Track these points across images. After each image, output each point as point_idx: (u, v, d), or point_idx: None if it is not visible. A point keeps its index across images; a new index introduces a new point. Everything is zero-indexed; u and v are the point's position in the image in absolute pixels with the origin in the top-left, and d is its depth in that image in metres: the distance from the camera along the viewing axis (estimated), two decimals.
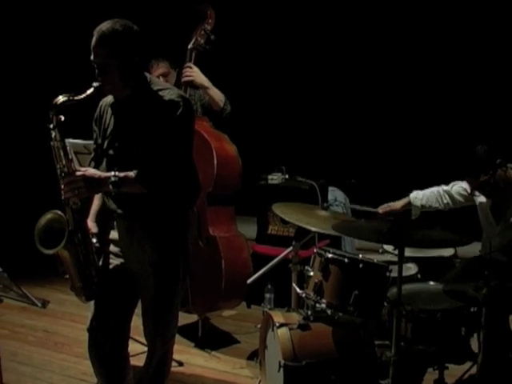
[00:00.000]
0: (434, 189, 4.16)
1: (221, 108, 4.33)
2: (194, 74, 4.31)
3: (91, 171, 2.88)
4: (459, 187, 4.05)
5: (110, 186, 2.81)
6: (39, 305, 2.92)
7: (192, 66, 4.33)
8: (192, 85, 4.35)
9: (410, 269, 3.89)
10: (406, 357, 3.30)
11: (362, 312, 3.31)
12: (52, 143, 2.85)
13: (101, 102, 3.09)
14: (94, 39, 2.82)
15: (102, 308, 3.08)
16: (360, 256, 3.53)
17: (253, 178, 5.40)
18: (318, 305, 3.38)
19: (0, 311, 3.17)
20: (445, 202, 4.10)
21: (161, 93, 2.90)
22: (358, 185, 6.18)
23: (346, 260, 3.37)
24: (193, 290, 4.25)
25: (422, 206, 4.17)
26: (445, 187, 4.13)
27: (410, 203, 4.19)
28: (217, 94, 4.33)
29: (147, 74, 3.00)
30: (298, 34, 7.26)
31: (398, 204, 4.21)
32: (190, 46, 4.39)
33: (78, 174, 2.82)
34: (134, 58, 2.86)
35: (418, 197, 4.18)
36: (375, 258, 3.68)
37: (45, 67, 7.04)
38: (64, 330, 4.96)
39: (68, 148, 2.89)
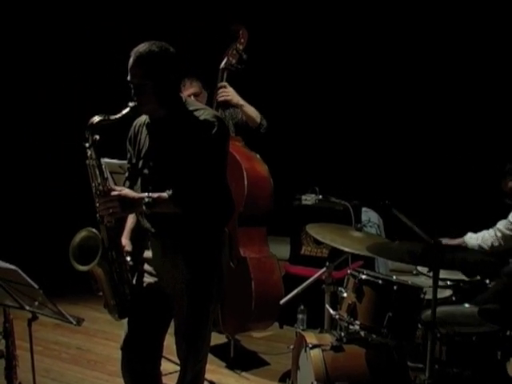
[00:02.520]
0: (485, 231, 4.20)
1: (258, 124, 4.35)
2: (230, 93, 4.34)
3: (126, 191, 2.90)
4: (505, 221, 4.06)
5: (144, 207, 2.83)
6: (74, 322, 2.93)
7: (227, 85, 4.37)
8: (228, 104, 4.38)
9: (445, 291, 3.84)
10: (441, 380, 3.25)
11: (395, 334, 3.28)
12: (88, 162, 2.88)
13: (135, 122, 3.12)
14: (131, 60, 2.86)
15: (135, 326, 3.08)
16: (394, 278, 3.50)
17: (287, 198, 5.40)
18: (351, 326, 3.37)
19: (34, 328, 3.18)
20: (498, 235, 4.11)
21: (196, 113, 2.92)
22: (392, 206, 6.14)
23: (380, 281, 3.35)
24: (224, 311, 4.25)
25: (479, 246, 4.17)
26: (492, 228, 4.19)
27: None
28: (252, 111, 4.35)
29: (182, 95, 3.03)
30: (333, 54, 7.27)
31: (450, 242, 4.19)
32: (221, 66, 4.42)
33: (113, 193, 2.85)
34: (170, 78, 2.89)
35: (473, 237, 4.19)
36: (409, 279, 3.65)
37: (82, 87, 7.15)
38: (97, 347, 5.00)
39: (103, 167, 2.92)
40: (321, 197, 5.44)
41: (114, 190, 2.87)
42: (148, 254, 3.12)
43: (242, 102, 4.35)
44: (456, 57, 6.76)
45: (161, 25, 6.59)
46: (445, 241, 4.15)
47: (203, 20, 7.09)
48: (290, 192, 5.55)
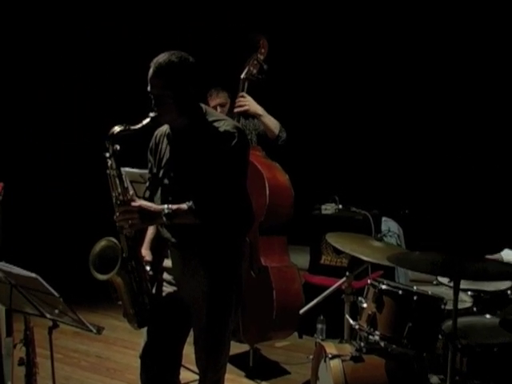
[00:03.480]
0: None
1: (276, 135, 4.35)
2: (248, 102, 4.35)
3: (146, 203, 2.91)
4: None
5: (164, 219, 2.84)
6: (94, 331, 2.94)
7: (245, 95, 4.37)
8: (246, 114, 4.39)
9: (466, 301, 3.81)
10: None
11: (415, 345, 3.26)
12: (108, 171, 2.89)
13: (156, 132, 3.13)
14: (150, 71, 2.87)
15: (154, 335, 3.09)
16: (414, 288, 3.48)
17: (306, 207, 5.39)
18: (371, 336, 3.35)
19: (54, 335, 3.20)
20: None
21: (216, 124, 2.93)
22: (412, 215, 6.11)
23: (400, 292, 3.33)
24: (244, 320, 4.24)
25: None
26: None
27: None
28: (271, 122, 4.35)
29: (202, 105, 3.03)
30: (355, 64, 7.27)
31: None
32: (242, 76, 4.43)
33: (133, 204, 2.85)
34: (190, 89, 2.89)
35: (510, 253, 4.15)
36: (430, 289, 3.63)
37: (102, 98, 7.21)
38: (116, 356, 5.01)
39: (124, 176, 2.93)
40: (341, 206, 5.44)
41: (134, 201, 2.88)
42: (167, 263, 3.12)
43: (260, 111, 4.35)
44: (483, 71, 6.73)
45: (182, 35, 6.62)
46: None
47: (224, 30, 7.11)
48: (310, 201, 5.55)
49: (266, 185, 4.24)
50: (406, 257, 3.50)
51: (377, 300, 3.36)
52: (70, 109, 7.23)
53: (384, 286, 3.37)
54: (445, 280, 3.89)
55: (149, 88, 2.89)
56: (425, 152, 7.05)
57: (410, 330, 3.24)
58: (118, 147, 2.86)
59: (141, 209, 2.85)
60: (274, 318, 4.21)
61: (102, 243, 2.95)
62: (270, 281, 4.23)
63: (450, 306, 3.21)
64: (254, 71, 4.40)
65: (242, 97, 4.36)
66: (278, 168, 4.43)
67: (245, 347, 4.64)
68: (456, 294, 3.08)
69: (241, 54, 4.51)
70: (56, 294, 2.81)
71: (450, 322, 3.17)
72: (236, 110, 4.37)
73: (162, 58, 2.87)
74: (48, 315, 3.03)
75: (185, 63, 2.88)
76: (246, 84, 4.41)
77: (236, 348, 4.47)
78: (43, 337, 3.26)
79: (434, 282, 4.07)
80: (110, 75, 7.28)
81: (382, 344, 3.32)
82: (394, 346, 3.29)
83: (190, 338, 3.12)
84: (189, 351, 3.16)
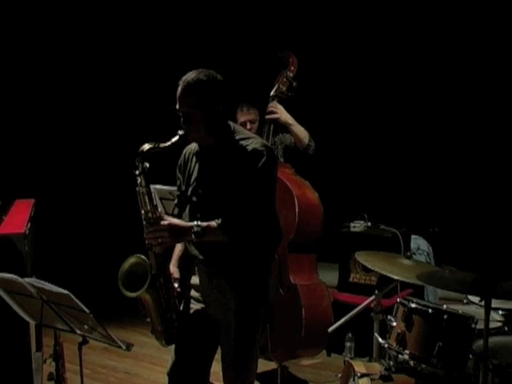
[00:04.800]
0: None
1: (306, 144, 4.35)
2: (279, 111, 4.35)
3: (175, 221, 2.93)
4: None
5: (193, 236, 2.85)
6: (124, 347, 2.95)
7: (276, 103, 4.38)
8: (277, 123, 4.39)
9: (497, 321, 3.75)
10: None
11: (446, 364, 3.21)
12: (137, 189, 2.91)
13: (185, 150, 3.16)
14: (179, 89, 2.90)
15: (182, 352, 3.10)
16: (444, 307, 3.44)
17: (335, 225, 5.38)
18: (400, 355, 3.31)
19: (83, 351, 3.22)
20: None
21: (244, 142, 2.94)
22: (442, 233, 6.06)
23: (430, 310, 3.29)
24: (272, 338, 4.22)
25: None
26: None
27: None
28: (301, 131, 4.36)
29: (230, 123, 3.05)
30: (383, 80, 7.25)
31: None
32: (272, 93, 4.44)
33: (162, 223, 2.87)
34: (218, 107, 2.92)
35: None
36: (460, 308, 3.58)
37: (132, 116, 7.28)
38: (144, 372, 5.02)
39: (153, 194, 2.95)
40: (370, 224, 5.41)
41: (164, 219, 2.89)
42: (195, 280, 3.14)
43: (290, 120, 4.36)
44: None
45: (212, 53, 6.67)
46: None
47: (254, 48, 7.16)
48: (339, 219, 5.53)
49: (296, 203, 4.24)
50: (436, 275, 3.46)
51: (406, 319, 3.33)
52: (100, 127, 7.31)
53: (414, 305, 3.34)
54: (475, 299, 3.84)
55: (177, 106, 2.92)
56: (456, 170, 6.98)
57: (440, 350, 3.20)
58: (147, 165, 2.88)
59: (170, 227, 2.86)
60: (302, 336, 4.19)
61: (132, 260, 2.96)
62: (298, 298, 4.21)
63: (480, 326, 3.17)
64: (284, 88, 4.42)
65: (274, 105, 4.37)
66: (308, 186, 4.43)
67: (273, 365, 4.61)
68: (487, 313, 3.04)
69: (270, 72, 4.53)
70: (87, 310, 2.84)
71: (480, 342, 3.12)
72: (267, 116, 4.38)
73: (190, 76, 2.90)
74: (78, 331, 3.06)
75: (213, 81, 2.90)
76: (276, 101, 4.42)
77: (264, 365, 4.46)
78: (72, 352, 3.29)
79: (464, 301, 4.02)
80: (140, 94, 7.36)
81: (412, 363, 3.28)
82: (423, 366, 3.25)
83: (218, 355, 3.12)
84: (217, 368, 3.16)
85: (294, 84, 4.42)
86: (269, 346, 4.27)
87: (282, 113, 4.36)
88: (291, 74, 4.42)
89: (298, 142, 4.37)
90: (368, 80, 7.28)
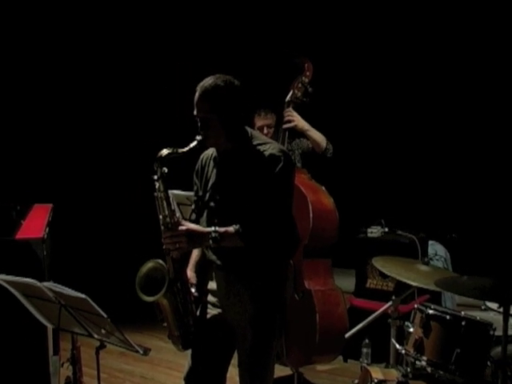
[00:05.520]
0: None
1: (324, 148, 4.36)
2: (295, 119, 4.35)
3: (193, 226, 2.93)
4: None
5: (211, 241, 2.85)
6: (141, 352, 2.96)
7: (292, 110, 4.38)
8: (294, 130, 4.39)
9: None
10: None
11: (463, 371, 3.20)
12: (156, 194, 2.92)
13: (202, 155, 3.16)
14: (197, 94, 2.91)
15: (198, 357, 3.10)
16: (462, 313, 3.43)
17: (352, 230, 5.36)
18: (417, 362, 3.30)
19: (100, 355, 3.24)
20: None
21: (262, 147, 2.95)
22: (460, 239, 6.02)
23: (448, 317, 3.28)
24: (287, 343, 4.21)
25: None
26: None
27: None
28: (318, 136, 4.37)
29: (248, 128, 3.05)
30: (396, 84, 7.24)
31: None
32: (287, 99, 4.43)
33: (180, 228, 2.87)
34: (236, 112, 2.92)
35: None
36: (478, 315, 3.56)
37: (151, 122, 7.31)
38: (160, 376, 5.03)
39: (171, 199, 2.96)
40: (387, 229, 5.40)
41: (182, 224, 2.90)
42: (212, 285, 3.13)
43: (307, 126, 4.37)
44: None
45: (228, 58, 6.69)
46: None
47: (269, 53, 7.16)
48: (356, 224, 5.51)
49: (310, 208, 4.23)
50: (454, 281, 3.45)
51: (424, 325, 3.32)
52: (118, 132, 7.34)
53: (431, 311, 3.33)
54: (493, 305, 3.82)
55: (195, 111, 2.92)
56: (474, 177, 6.95)
57: (457, 356, 3.18)
58: (165, 170, 2.89)
59: (188, 232, 2.87)
60: (317, 342, 4.17)
61: (149, 265, 2.97)
62: (313, 304, 4.20)
63: (499, 332, 3.15)
64: (299, 94, 4.41)
65: (290, 112, 4.37)
66: (323, 191, 4.42)
67: (289, 370, 4.61)
68: (506, 320, 3.02)
69: (286, 77, 4.53)
70: (104, 314, 2.85)
71: (499, 349, 3.11)
72: (284, 126, 4.37)
73: (207, 81, 2.91)
74: (96, 335, 3.07)
75: (230, 87, 2.91)
76: (291, 107, 4.42)
77: (280, 371, 4.45)
78: (89, 356, 3.30)
79: (483, 307, 4.00)
80: (158, 99, 7.39)
81: (429, 370, 3.27)
82: (441, 372, 3.24)
83: (234, 360, 3.12)
84: (233, 373, 3.16)
85: (310, 89, 4.41)
86: (284, 352, 4.26)
87: (298, 120, 4.36)
88: (306, 80, 4.41)
89: (316, 146, 4.37)
90: (387, 86, 7.28)
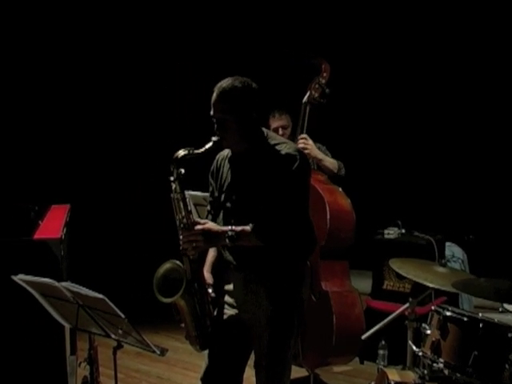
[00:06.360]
0: None
1: (335, 174, 4.35)
2: (310, 147, 4.32)
3: (210, 225, 2.94)
4: None
5: (227, 241, 2.86)
6: (158, 352, 2.97)
7: (307, 137, 4.35)
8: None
9: None
10: None
11: (481, 374, 3.17)
12: (172, 195, 2.93)
13: (217, 156, 3.17)
14: (214, 95, 2.92)
15: (215, 358, 3.10)
16: (480, 315, 3.40)
17: (369, 232, 5.35)
18: (434, 364, 3.28)
19: (117, 355, 3.25)
20: None
21: (277, 147, 2.95)
22: (477, 241, 5.99)
23: (466, 319, 3.25)
24: (304, 345, 4.21)
25: None
26: None
27: None
28: (330, 163, 4.35)
29: (264, 129, 3.06)
30: (415, 85, 7.21)
31: None
32: (304, 100, 4.43)
33: (197, 227, 2.89)
34: (252, 113, 2.93)
35: None
36: (495, 317, 3.54)
37: (167, 123, 7.32)
38: (177, 377, 5.04)
39: (187, 200, 2.97)
40: (404, 231, 5.38)
41: (198, 224, 2.91)
42: (229, 286, 3.14)
43: (320, 156, 4.34)
44: None
45: (245, 60, 6.69)
46: None
47: (286, 54, 7.15)
48: (373, 225, 5.50)
49: (327, 209, 4.23)
50: (472, 283, 3.43)
51: (441, 327, 3.29)
52: (135, 133, 7.36)
53: (449, 313, 3.30)
54: (511, 307, 3.79)
55: (212, 112, 2.93)
56: (491, 178, 6.90)
57: (475, 359, 3.16)
58: (182, 171, 2.90)
59: (204, 231, 2.88)
60: (333, 343, 4.17)
61: (167, 266, 2.98)
62: (330, 305, 4.20)
63: None
64: (316, 95, 4.40)
65: (305, 139, 4.34)
66: (340, 192, 4.41)
67: (305, 372, 4.60)
68: None
69: (303, 78, 4.52)
70: (122, 314, 2.86)
71: None
72: None
73: (225, 82, 2.92)
74: (113, 335, 3.08)
75: (247, 88, 2.92)
76: (308, 108, 4.42)
77: (296, 372, 4.43)
78: (106, 356, 3.31)
79: (500, 309, 3.97)
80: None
81: (446, 372, 3.24)
82: (458, 375, 3.21)
83: (251, 361, 3.12)
84: (249, 374, 3.16)
85: (327, 90, 4.40)
86: (300, 353, 4.26)
87: (312, 149, 4.32)
88: (324, 81, 4.40)
89: (329, 172, 4.37)
90: (405, 88, 7.25)
